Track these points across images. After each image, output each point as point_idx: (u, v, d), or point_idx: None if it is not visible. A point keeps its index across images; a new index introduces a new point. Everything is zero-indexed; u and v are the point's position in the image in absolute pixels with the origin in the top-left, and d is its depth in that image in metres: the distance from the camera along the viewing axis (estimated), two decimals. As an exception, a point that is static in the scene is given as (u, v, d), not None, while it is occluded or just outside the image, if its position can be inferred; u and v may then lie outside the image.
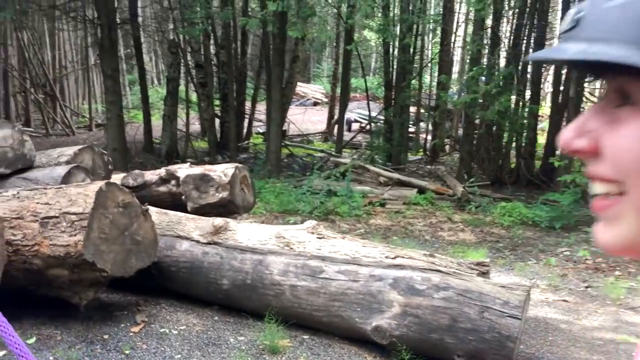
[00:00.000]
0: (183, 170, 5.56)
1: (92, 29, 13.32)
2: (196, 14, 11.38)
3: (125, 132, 11.87)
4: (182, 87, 14.43)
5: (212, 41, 13.74)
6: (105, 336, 3.61)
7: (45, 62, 16.78)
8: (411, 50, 13.10)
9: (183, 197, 5.23)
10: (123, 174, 5.85)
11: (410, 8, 12.43)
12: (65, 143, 7.32)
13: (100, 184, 3.73)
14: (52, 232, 3.52)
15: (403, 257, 4.16)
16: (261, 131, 15.80)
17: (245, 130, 15.34)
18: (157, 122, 14.23)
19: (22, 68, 15.96)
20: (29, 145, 4.77)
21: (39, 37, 16.25)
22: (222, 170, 5.49)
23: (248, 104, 15.73)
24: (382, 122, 14.23)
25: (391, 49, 13.36)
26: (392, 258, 4.15)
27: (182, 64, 13.56)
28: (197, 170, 5.51)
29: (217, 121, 14.00)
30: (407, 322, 3.43)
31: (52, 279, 3.61)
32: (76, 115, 18.77)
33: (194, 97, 15.57)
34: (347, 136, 16.06)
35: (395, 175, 10.07)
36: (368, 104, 14.84)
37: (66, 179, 4.49)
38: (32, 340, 3.49)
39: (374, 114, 15.02)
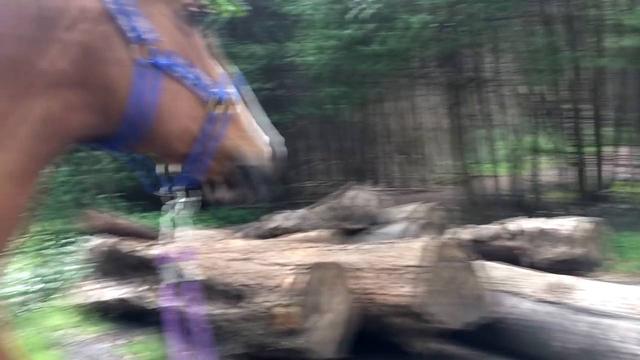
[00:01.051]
0: (519, 223, 5.42)
1: (442, 92, 14.22)
2: (541, 61, 11.09)
3: (475, 186, 12.14)
4: (532, 137, 14.07)
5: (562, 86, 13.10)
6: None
7: (405, 127, 18.53)
8: None
9: (518, 251, 5.08)
10: (461, 228, 6.01)
11: None
12: (418, 199, 7.91)
13: (426, 239, 3.95)
14: (385, 282, 3.85)
15: None
16: (626, 177, 14.10)
17: (605, 178, 13.93)
18: (507, 175, 14.12)
19: (386, 134, 17.99)
20: (374, 203, 5.37)
21: (398, 105, 18.13)
22: (561, 224, 5.16)
23: (609, 149, 14.30)
24: None
25: None
26: None
27: (531, 114, 13.26)
28: (534, 223, 5.30)
29: (572, 170, 13.12)
30: None
31: (387, 326, 3.92)
32: (433, 172, 20.02)
33: (545, 146, 14.97)
34: None
35: None
36: None
37: (402, 234, 4.87)
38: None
39: None
